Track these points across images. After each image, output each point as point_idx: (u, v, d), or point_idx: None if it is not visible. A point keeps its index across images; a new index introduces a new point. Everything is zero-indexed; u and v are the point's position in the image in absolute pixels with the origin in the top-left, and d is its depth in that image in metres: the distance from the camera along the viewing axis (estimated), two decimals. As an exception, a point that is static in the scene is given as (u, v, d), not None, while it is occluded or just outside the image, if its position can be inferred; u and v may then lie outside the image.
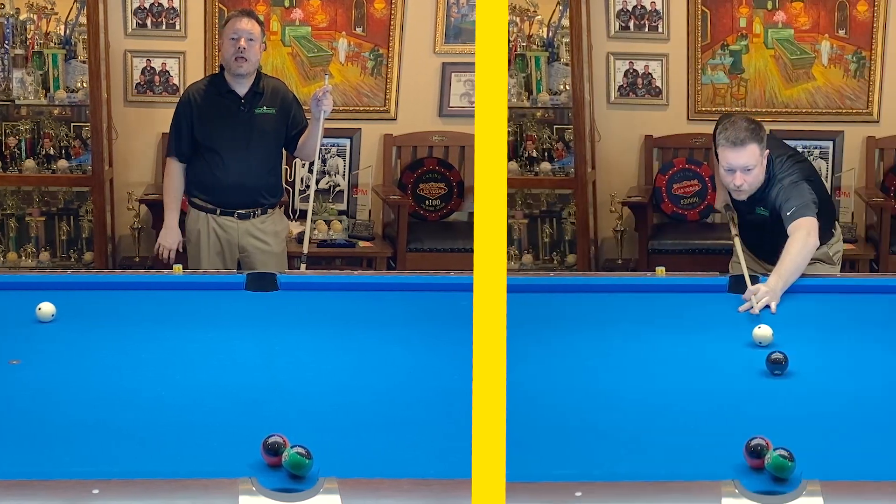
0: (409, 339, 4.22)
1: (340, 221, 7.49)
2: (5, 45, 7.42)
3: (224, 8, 7.40)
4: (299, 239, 6.60)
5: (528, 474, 2.91)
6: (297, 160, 7.20)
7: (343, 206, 7.70)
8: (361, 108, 7.67)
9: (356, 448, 3.21)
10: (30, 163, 7.49)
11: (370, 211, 7.71)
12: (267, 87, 5.85)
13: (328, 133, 6.58)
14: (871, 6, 7.46)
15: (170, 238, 5.87)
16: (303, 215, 6.58)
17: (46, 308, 4.30)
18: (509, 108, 7.28)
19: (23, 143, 7.50)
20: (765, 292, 4.57)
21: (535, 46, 7.51)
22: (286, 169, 6.75)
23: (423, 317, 4.48)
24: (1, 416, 3.43)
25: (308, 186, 6.73)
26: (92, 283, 4.87)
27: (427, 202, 7.69)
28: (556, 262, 7.60)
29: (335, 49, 7.64)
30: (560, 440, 3.29)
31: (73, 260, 7.59)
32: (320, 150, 5.93)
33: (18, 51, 7.45)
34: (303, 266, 5.73)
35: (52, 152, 7.52)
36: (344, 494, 2.83)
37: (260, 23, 5.85)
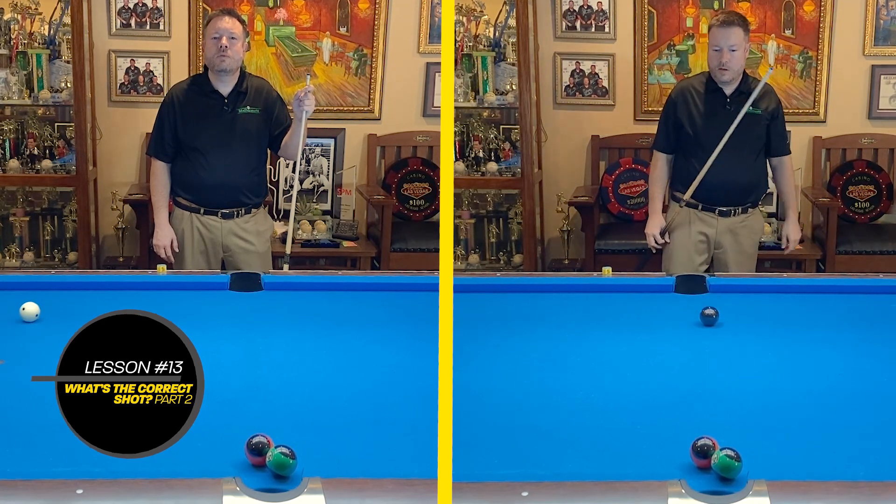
0: (393, 339, 4.23)
1: (324, 221, 7.49)
2: (-11, 45, 7.43)
3: (208, 8, 7.40)
4: (283, 239, 6.60)
5: (474, 474, 2.92)
6: (282, 160, 7.20)
7: (327, 206, 7.70)
8: (345, 108, 7.68)
9: (340, 448, 3.22)
10: (14, 163, 7.48)
11: (354, 211, 7.71)
12: (251, 86, 5.84)
13: (312, 133, 6.58)
14: (818, 6, 7.49)
15: (163, 236, 5.84)
16: (287, 215, 6.58)
17: (30, 308, 4.30)
18: (456, 108, 7.28)
19: (7, 143, 7.49)
20: (796, 240, 5.96)
21: (481, 46, 7.51)
22: (270, 169, 6.74)
23: (407, 317, 4.49)
24: (-15, 416, 3.44)
25: (292, 186, 6.73)
26: (76, 283, 4.87)
27: (411, 202, 7.69)
28: (502, 262, 7.60)
29: (319, 49, 7.64)
30: (506, 440, 3.29)
31: (57, 260, 7.58)
32: (304, 150, 5.94)
33: (2, 51, 7.44)
34: (285, 266, 5.73)
35: (36, 152, 7.52)
36: (328, 494, 2.84)
37: (242, 21, 5.84)
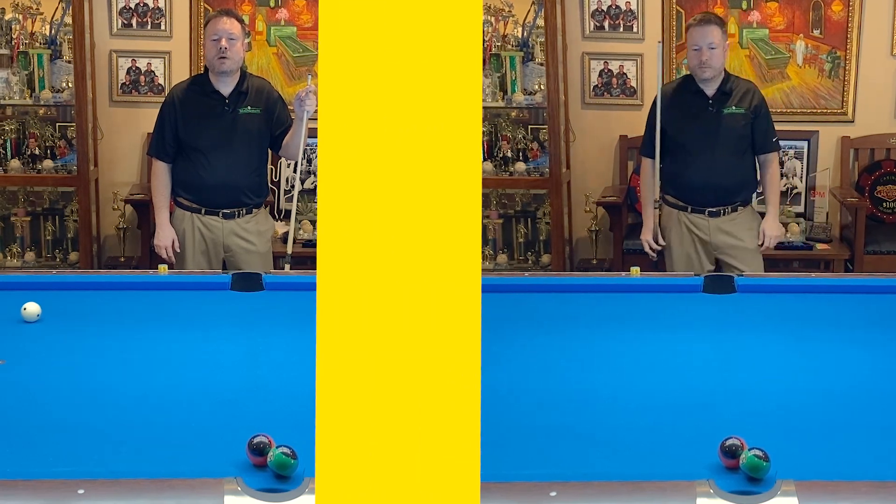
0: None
1: (326, 221, 7.47)
2: (-10, 45, 7.43)
3: (209, 8, 7.40)
4: (284, 239, 6.59)
5: (502, 474, 2.90)
6: (283, 160, 7.20)
7: (329, 206, 7.68)
8: (347, 108, 7.66)
9: (341, 448, 3.21)
10: (15, 163, 7.48)
11: (355, 211, 7.68)
12: (251, 86, 5.84)
13: (313, 133, 6.57)
14: (846, 6, 7.46)
15: (164, 236, 5.84)
16: (288, 215, 6.57)
17: (32, 308, 4.29)
18: (484, 108, 7.28)
19: (8, 143, 7.49)
20: (774, 237, 5.91)
21: (509, 46, 7.50)
22: (271, 169, 6.74)
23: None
24: (-14, 416, 3.43)
25: (293, 186, 6.73)
26: (77, 283, 4.87)
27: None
28: (530, 262, 7.60)
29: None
30: (534, 440, 3.28)
31: (58, 260, 7.58)
32: (305, 149, 5.93)
33: (4, 51, 7.44)
34: (287, 266, 5.72)
35: (37, 152, 7.52)
36: (329, 494, 2.83)
37: (241, 21, 5.84)
